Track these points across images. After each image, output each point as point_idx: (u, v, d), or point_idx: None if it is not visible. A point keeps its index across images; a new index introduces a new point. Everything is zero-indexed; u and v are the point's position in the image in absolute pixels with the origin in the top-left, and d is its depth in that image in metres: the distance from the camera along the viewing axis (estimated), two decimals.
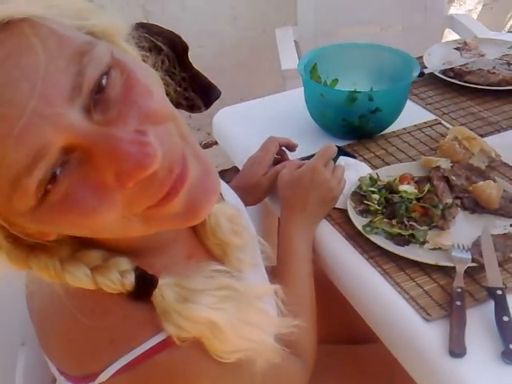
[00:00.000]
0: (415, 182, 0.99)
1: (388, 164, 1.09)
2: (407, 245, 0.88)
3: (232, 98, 1.74)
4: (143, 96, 0.46)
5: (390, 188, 0.97)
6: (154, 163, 0.43)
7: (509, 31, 2.76)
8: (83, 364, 0.56)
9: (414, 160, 1.09)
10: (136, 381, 0.55)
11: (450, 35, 2.28)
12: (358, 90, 1.13)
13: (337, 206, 0.98)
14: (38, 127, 0.41)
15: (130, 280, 0.54)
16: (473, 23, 1.99)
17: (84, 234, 0.50)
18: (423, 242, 0.88)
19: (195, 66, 1.37)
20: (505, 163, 1.07)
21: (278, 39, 2.03)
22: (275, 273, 0.87)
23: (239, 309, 0.57)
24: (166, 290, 0.55)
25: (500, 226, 0.91)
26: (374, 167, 1.08)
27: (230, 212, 0.70)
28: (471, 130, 1.13)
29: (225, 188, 0.83)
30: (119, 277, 0.54)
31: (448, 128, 1.18)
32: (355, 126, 1.13)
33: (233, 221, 0.69)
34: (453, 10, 2.69)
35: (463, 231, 0.90)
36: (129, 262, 0.55)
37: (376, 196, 0.95)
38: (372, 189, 0.96)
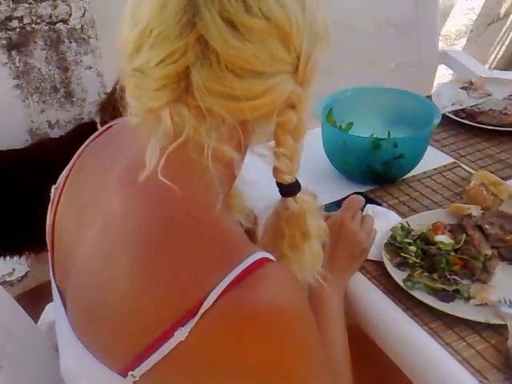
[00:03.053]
0: (449, 232, 0.96)
1: (414, 210, 1.06)
2: (452, 301, 0.85)
3: None
4: None
5: (426, 239, 0.94)
6: None
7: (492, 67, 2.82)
8: (186, 293, 0.54)
9: (440, 206, 1.07)
10: (243, 297, 0.54)
11: (444, 71, 2.31)
12: (374, 133, 1.11)
13: (371, 257, 0.94)
14: None
15: None
16: (466, 59, 2.01)
17: None
18: (468, 298, 0.84)
19: None
20: None
21: None
22: None
23: None
24: None
25: None
26: (401, 214, 1.05)
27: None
28: (492, 173, 1.12)
29: None
30: None
31: (468, 172, 1.17)
32: (378, 172, 1.10)
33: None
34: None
35: (506, 283, 0.88)
36: None
37: (413, 248, 0.92)
38: (408, 240, 0.93)
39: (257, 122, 0.58)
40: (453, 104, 1.39)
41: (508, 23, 2.86)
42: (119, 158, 0.64)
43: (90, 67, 1.75)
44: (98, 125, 1.56)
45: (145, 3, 0.53)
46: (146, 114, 0.57)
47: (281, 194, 0.67)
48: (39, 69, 1.69)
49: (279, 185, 0.65)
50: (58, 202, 0.70)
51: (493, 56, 2.90)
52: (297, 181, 0.66)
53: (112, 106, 1.53)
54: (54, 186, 0.73)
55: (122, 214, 0.59)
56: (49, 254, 0.72)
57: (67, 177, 0.70)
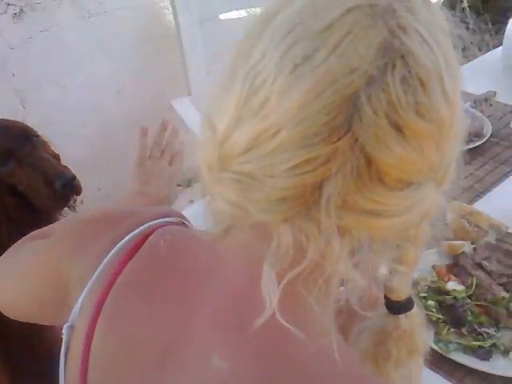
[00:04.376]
0: (454, 275, 0.91)
1: None
2: (491, 357, 0.79)
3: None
4: None
5: (438, 289, 0.88)
6: None
7: None
8: None
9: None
10: None
11: None
12: None
13: None
14: None
15: None
16: None
17: None
18: (505, 351, 0.80)
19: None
20: (509, 233, 1.04)
21: (179, 110, 1.88)
22: None
23: None
24: None
25: None
26: None
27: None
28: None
29: None
30: None
31: None
32: None
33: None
34: None
35: None
36: None
37: (431, 302, 0.85)
38: (424, 294, 0.87)
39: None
40: None
41: None
42: (198, 288, 0.47)
43: None
44: None
45: (274, 93, 0.38)
46: (250, 228, 0.42)
47: (391, 312, 0.55)
48: None
49: (390, 302, 0.53)
50: (86, 350, 0.51)
51: None
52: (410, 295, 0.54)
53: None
54: (66, 325, 0.53)
55: (232, 375, 0.43)
56: None
57: (95, 318, 0.51)
